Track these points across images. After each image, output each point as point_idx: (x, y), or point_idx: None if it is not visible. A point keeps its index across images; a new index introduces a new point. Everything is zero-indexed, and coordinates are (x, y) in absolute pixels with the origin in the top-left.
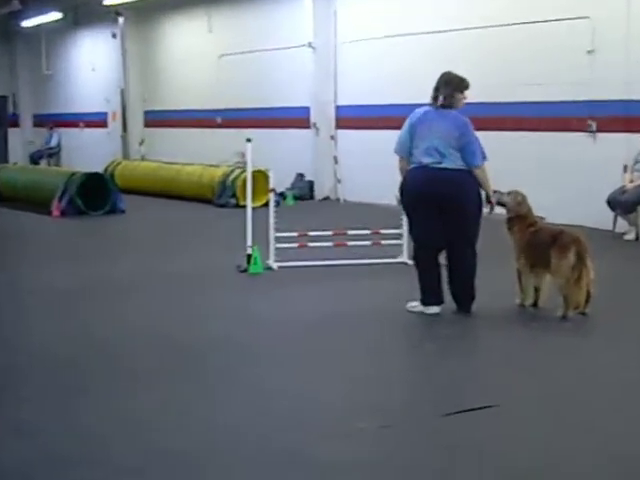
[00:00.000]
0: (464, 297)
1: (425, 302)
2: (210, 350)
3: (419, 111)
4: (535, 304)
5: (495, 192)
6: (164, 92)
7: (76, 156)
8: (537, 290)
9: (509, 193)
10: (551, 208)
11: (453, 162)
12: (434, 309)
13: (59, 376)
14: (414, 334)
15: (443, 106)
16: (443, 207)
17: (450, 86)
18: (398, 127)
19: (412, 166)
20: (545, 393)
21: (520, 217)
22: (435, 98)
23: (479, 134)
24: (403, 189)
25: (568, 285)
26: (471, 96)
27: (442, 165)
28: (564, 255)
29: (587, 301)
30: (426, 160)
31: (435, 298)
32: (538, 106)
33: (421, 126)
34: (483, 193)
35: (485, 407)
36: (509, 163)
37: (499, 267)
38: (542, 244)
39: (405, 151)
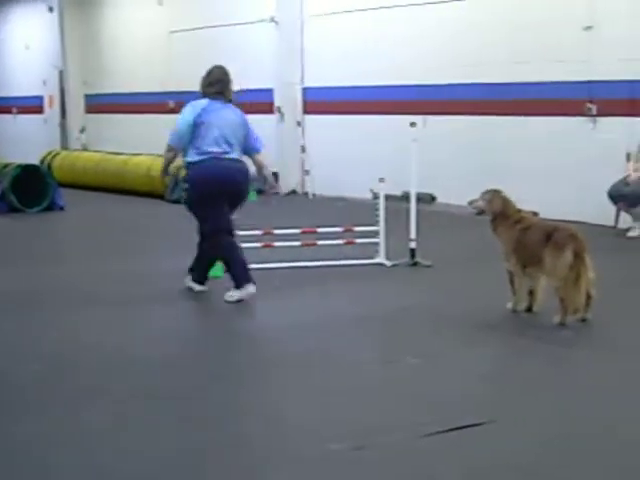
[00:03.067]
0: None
1: (243, 285)
2: (166, 366)
3: (201, 102)
4: (529, 309)
5: (470, 202)
6: (108, 73)
7: (8, 146)
8: (532, 293)
9: (483, 195)
10: (545, 202)
11: (237, 152)
12: (251, 288)
13: None
14: (394, 345)
15: (229, 99)
16: (232, 197)
17: (230, 80)
18: (374, 111)
19: (199, 157)
20: (541, 410)
21: (502, 215)
22: (218, 91)
23: (463, 119)
24: (196, 180)
25: (566, 287)
26: (453, 77)
27: (230, 155)
28: (560, 254)
29: (587, 305)
30: (215, 150)
31: (249, 276)
32: (530, 87)
33: (209, 115)
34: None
35: (473, 425)
36: (498, 152)
37: (488, 270)
38: (534, 242)
39: (183, 144)
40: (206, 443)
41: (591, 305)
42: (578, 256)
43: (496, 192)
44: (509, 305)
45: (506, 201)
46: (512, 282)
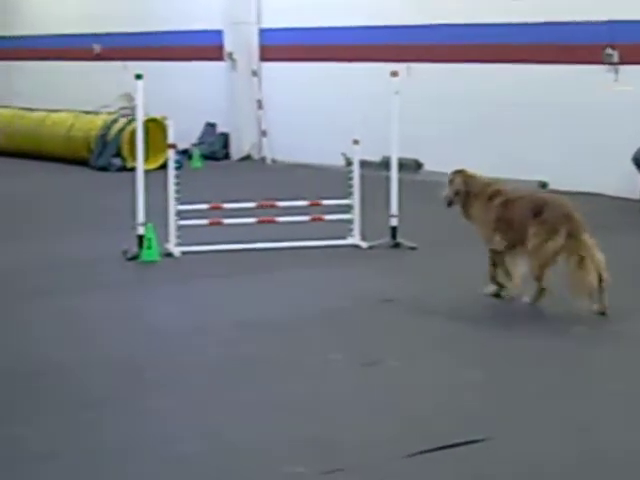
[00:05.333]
0: None
1: None
2: (92, 373)
3: None
4: (498, 294)
5: (445, 196)
6: (19, 11)
7: None
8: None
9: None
10: (555, 170)
11: None
12: None
13: None
14: (372, 346)
15: None
16: None
17: None
18: (347, 58)
19: None
20: (548, 425)
21: (469, 195)
22: None
23: (455, 67)
24: None
25: (570, 272)
26: (443, 17)
27: None
28: (548, 236)
29: (601, 289)
30: None
31: None
32: (538, 29)
33: None
34: None
35: (466, 443)
36: (497, 108)
37: (482, 253)
38: (520, 216)
39: None
40: (136, 468)
41: (606, 290)
42: (574, 238)
43: (457, 172)
44: (488, 290)
45: (468, 177)
46: (494, 265)
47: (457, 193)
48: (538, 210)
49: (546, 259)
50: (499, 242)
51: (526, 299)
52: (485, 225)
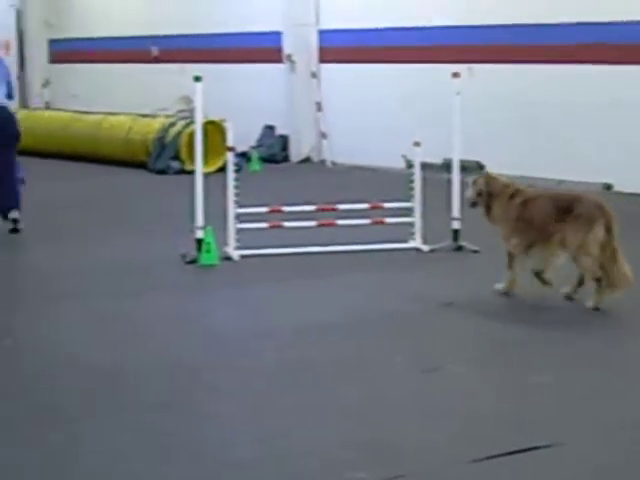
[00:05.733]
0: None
1: None
2: (148, 377)
3: None
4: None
5: (468, 200)
6: (77, 14)
7: None
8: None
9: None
10: (621, 172)
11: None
12: None
13: None
14: (432, 350)
15: None
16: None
17: None
18: (407, 59)
19: None
20: (621, 431)
21: (490, 196)
22: None
23: (519, 68)
24: None
25: (603, 268)
26: (508, 17)
27: None
28: (589, 228)
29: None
30: None
31: None
32: (602, 29)
33: None
34: None
35: (533, 449)
36: (562, 109)
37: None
38: (542, 214)
39: None
40: (193, 474)
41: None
42: (609, 230)
43: (481, 175)
44: (499, 286)
45: (490, 179)
46: (510, 264)
47: (480, 194)
48: (567, 206)
49: (594, 251)
50: (515, 245)
51: (590, 304)
52: (505, 225)
